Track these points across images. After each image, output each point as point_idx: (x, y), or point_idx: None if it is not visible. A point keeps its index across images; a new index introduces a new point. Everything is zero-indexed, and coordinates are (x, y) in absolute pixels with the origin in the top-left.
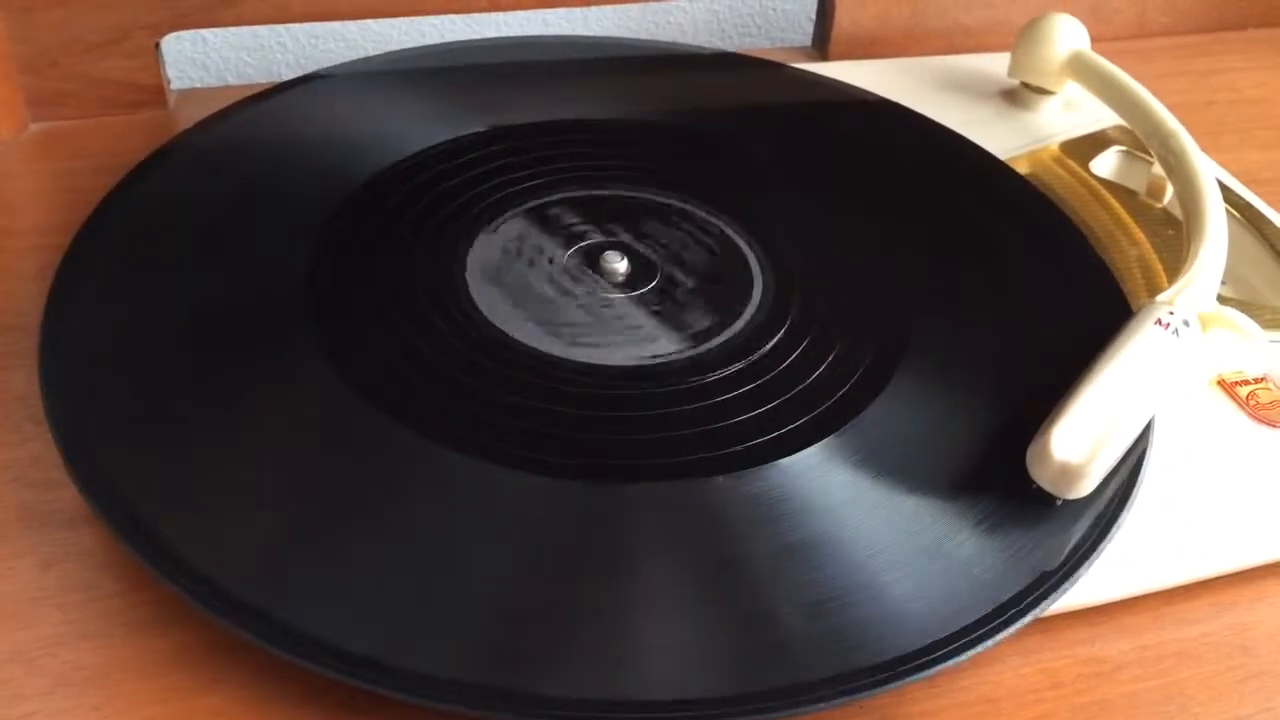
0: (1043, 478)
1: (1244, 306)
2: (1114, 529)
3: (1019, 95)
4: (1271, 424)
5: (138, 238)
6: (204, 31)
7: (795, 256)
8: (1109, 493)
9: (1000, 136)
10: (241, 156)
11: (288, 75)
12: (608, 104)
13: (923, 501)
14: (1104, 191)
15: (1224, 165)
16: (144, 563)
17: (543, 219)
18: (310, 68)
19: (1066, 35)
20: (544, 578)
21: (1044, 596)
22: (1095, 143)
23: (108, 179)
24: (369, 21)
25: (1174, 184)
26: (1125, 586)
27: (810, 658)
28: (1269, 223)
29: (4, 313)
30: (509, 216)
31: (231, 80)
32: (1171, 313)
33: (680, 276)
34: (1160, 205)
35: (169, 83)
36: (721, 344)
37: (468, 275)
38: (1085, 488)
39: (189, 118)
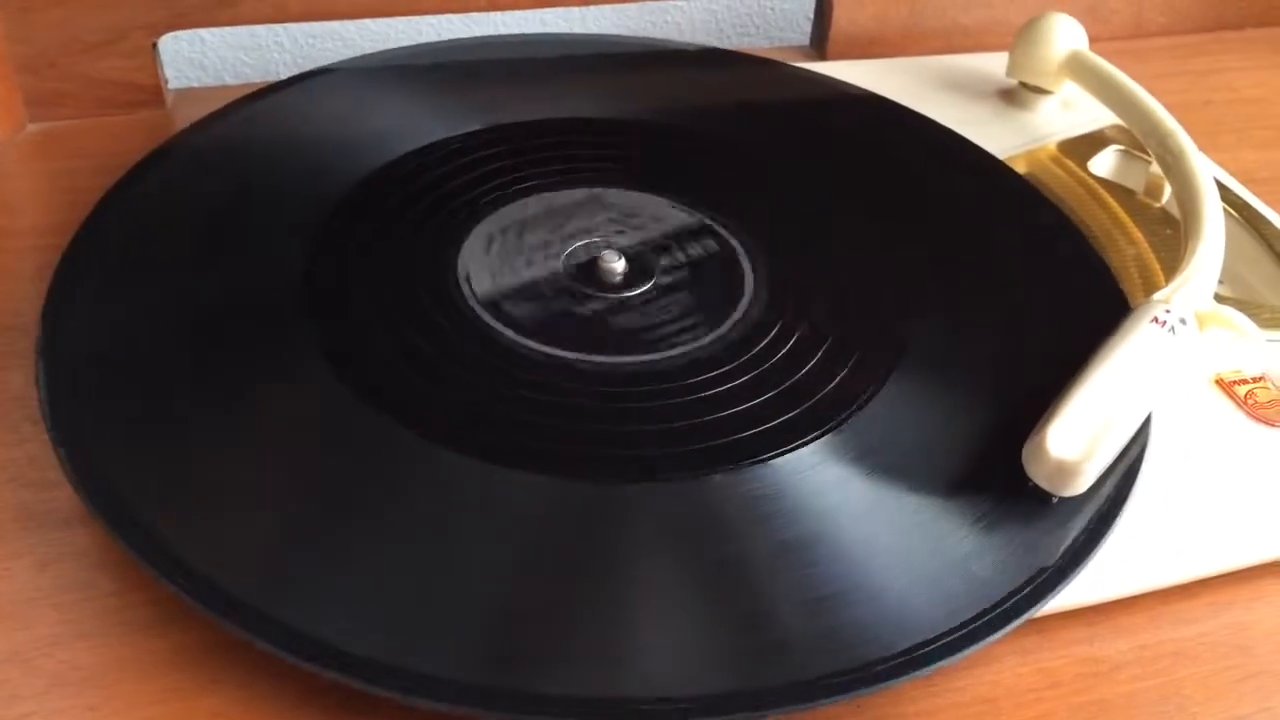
0: (1039, 475)
1: (1242, 305)
2: (1111, 527)
3: (1017, 95)
4: (1269, 423)
5: (136, 238)
6: (201, 31)
7: (792, 256)
8: (1106, 491)
9: (998, 136)
10: (239, 156)
11: (285, 75)
12: (605, 103)
13: (920, 500)
14: (1102, 191)
15: (1222, 165)
16: (142, 562)
17: (540, 218)
18: (307, 67)
19: (1064, 35)
20: (543, 577)
21: (1041, 594)
22: (1093, 142)
23: (105, 179)
24: (366, 21)
25: (1172, 183)
26: (1123, 586)
27: (808, 656)
28: (1267, 222)
29: (2, 313)
30: (506, 215)
31: (229, 80)
32: (1168, 311)
33: (677, 276)
34: (1158, 205)
35: (166, 82)
36: (719, 343)
37: (465, 274)
38: (1081, 485)
39: (186, 117)
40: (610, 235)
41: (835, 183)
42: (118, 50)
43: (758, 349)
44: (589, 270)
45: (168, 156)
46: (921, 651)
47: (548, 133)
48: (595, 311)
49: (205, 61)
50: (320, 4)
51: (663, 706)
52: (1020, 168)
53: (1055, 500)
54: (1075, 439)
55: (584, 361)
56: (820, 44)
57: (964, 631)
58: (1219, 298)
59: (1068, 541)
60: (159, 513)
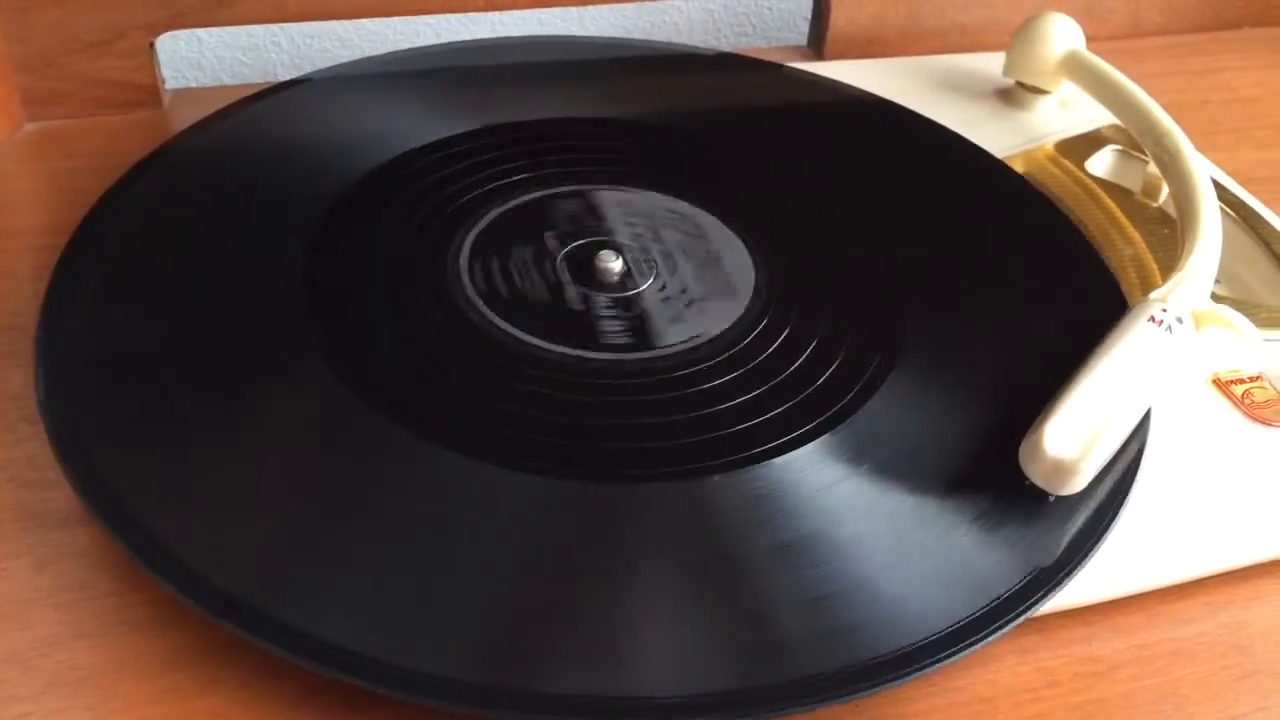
0: (1035, 474)
1: (1239, 305)
2: (1109, 527)
3: (1014, 94)
4: (1267, 423)
5: (134, 238)
6: (199, 31)
7: (790, 255)
8: (1103, 490)
9: (996, 135)
10: (237, 156)
11: (283, 75)
12: (603, 103)
13: (918, 499)
14: (1099, 190)
15: (1219, 164)
16: (141, 562)
17: (538, 218)
18: (306, 67)
19: (1061, 35)
20: (543, 577)
21: (1039, 594)
22: (1090, 142)
23: (103, 179)
24: (365, 21)
25: (1169, 183)
26: (1121, 585)
27: (806, 656)
28: (1264, 222)
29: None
30: (505, 215)
31: (227, 80)
32: (1165, 310)
33: (675, 275)
34: (1155, 204)
35: (164, 82)
36: (718, 343)
37: (464, 274)
38: (1078, 484)
39: (184, 117)
40: (609, 234)
41: (834, 183)
42: (115, 50)
43: (757, 349)
44: (587, 269)
45: (166, 157)
46: (920, 651)
47: (546, 133)
48: (594, 311)
49: (203, 61)
50: (318, 4)
51: (662, 706)
52: (1018, 167)
53: (1052, 499)
54: (1072, 438)
55: (583, 361)
56: (818, 44)
57: (962, 631)
58: (1216, 297)
59: (1065, 541)
60: (158, 513)
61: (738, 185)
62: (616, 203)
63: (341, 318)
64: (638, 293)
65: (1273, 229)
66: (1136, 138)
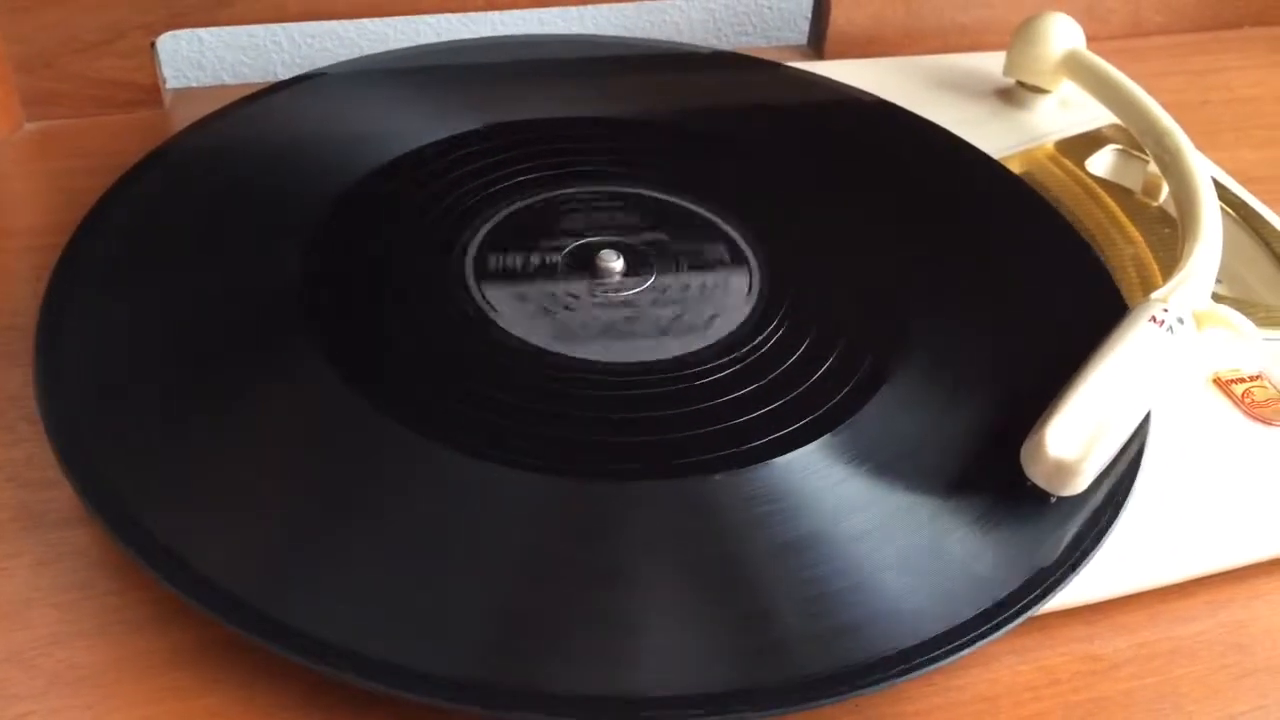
0: (1037, 475)
1: (1239, 305)
2: (1110, 527)
3: (1014, 94)
4: (1267, 422)
5: (134, 237)
6: (200, 31)
7: (790, 255)
8: (1105, 490)
9: (995, 135)
10: (238, 156)
11: (283, 75)
12: (603, 103)
13: (919, 499)
14: (1099, 190)
15: (1219, 164)
16: (141, 562)
17: (539, 217)
18: (306, 67)
19: (1061, 34)
20: (544, 577)
21: (1040, 594)
22: (1090, 141)
23: (103, 178)
24: (365, 21)
25: (1169, 182)
26: (1121, 584)
27: (807, 656)
28: (1264, 221)
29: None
30: (505, 214)
31: (227, 80)
32: (1166, 310)
33: (676, 275)
34: (1156, 204)
35: (164, 82)
36: (718, 342)
37: (465, 273)
38: (1079, 485)
39: (184, 117)
40: (610, 234)
41: (834, 182)
42: (116, 50)
43: (757, 348)
44: (588, 269)
45: (166, 157)
46: (920, 650)
47: (547, 132)
48: (595, 310)
49: (203, 61)
50: (319, 4)
51: (662, 705)
52: (1018, 167)
53: (1054, 499)
54: (1074, 438)
55: (584, 360)
56: (818, 43)
57: (963, 630)
58: (1217, 297)
59: (1066, 540)
60: (158, 512)
61: (737, 184)
62: (618, 202)
63: (341, 317)
64: (638, 292)
65: (1273, 228)
66: (1137, 137)
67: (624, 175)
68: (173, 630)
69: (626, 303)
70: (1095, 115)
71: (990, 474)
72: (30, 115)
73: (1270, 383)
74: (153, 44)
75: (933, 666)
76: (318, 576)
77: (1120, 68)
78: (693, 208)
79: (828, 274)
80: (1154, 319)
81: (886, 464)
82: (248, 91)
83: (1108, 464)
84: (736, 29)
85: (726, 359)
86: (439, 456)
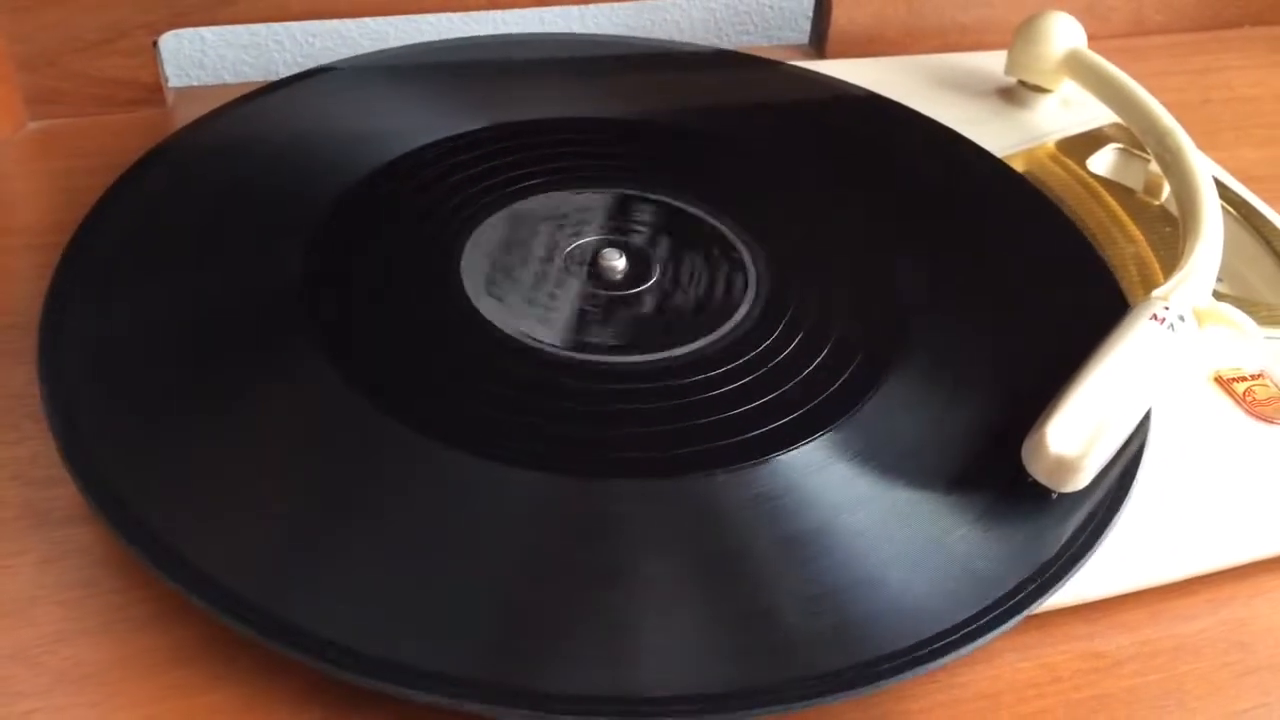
0: (1038, 471)
1: (1240, 303)
2: (1111, 524)
3: (1015, 93)
4: (1268, 420)
5: (136, 236)
6: (202, 30)
7: (792, 254)
8: (1106, 488)
9: (997, 134)
10: (239, 154)
11: (285, 74)
12: (605, 101)
13: (921, 496)
14: (1101, 189)
15: (1220, 163)
16: (144, 560)
17: (540, 217)
18: (308, 66)
19: (1063, 33)
20: (544, 576)
21: (1042, 590)
22: (1092, 140)
23: (105, 177)
24: (367, 20)
25: (1170, 181)
26: (1123, 582)
27: (808, 653)
28: (1265, 220)
29: (1, 311)
30: (506, 213)
31: (229, 79)
32: (1167, 308)
33: (678, 274)
34: (1157, 203)
35: (167, 81)
36: (720, 341)
37: (466, 273)
38: (1081, 481)
39: (187, 116)
40: (611, 233)
41: (835, 182)
42: (118, 49)
43: (758, 347)
44: (590, 268)
45: (168, 155)
46: (923, 648)
47: (547, 132)
48: (596, 309)
49: (205, 60)
50: (321, 2)
51: (663, 704)
52: (1019, 166)
53: (1055, 496)
54: (1075, 435)
55: (584, 360)
56: (819, 43)
57: (965, 628)
58: (1218, 295)
59: (1068, 537)
60: (161, 510)
61: (739, 183)
62: (618, 201)
63: (342, 317)
64: (640, 291)
65: (1274, 227)
66: (1138, 136)
67: (625, 174)
68: (176, 628)
69: (628, 300)
70: (1096, 114)
71: (991, 472)
72: (33, 114)
73: (1271, 381)
74: (155, 43)
75: (934, 664)
76: (319, 575)
77: (1121, 67)
78: (694, 206)
79: (829, 272)
80: (1155, 317)
81: (887, 462)
82: (249, 90)
83: (1109, 461)
84: (737, 28)
85: (727, 357)
86: (439, 456)
